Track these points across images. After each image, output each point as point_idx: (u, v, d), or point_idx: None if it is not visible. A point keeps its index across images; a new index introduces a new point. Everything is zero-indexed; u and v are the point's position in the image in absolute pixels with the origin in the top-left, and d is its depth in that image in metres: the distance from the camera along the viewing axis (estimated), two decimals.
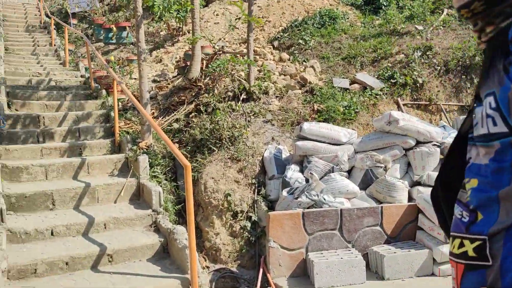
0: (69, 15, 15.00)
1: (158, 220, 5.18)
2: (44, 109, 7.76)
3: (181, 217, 5.71)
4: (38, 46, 12.91)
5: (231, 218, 5.50)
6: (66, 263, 4.32)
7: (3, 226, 4.50)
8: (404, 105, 7.75)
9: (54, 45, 12.86)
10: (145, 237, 4.91)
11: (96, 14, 14.61)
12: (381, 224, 5.13)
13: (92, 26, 14.06)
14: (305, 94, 7.62)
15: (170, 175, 6.20)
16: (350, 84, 8.01)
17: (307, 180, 5.45)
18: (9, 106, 7.57)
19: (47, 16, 14.89)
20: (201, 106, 7.12)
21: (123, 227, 5.10)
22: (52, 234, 4.73)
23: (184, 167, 4.06)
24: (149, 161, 5.96)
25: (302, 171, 5.69)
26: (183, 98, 7.77)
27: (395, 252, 4.80)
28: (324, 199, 5.14)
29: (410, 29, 9.71)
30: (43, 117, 7.23)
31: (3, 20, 14.54)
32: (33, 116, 7.20)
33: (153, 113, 7.72)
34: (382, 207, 5.16)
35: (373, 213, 5.12)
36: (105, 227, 5.01)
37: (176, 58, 10.98)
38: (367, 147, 5.80)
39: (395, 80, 7.93)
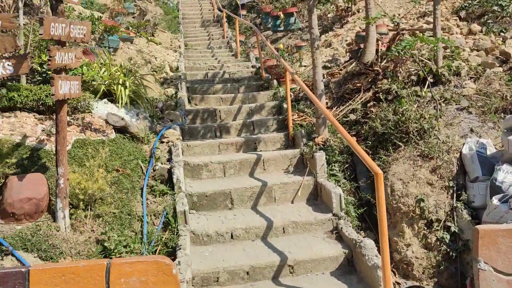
0: (238, 7, 15.44)
1: (340, 227, 4.67)
2: (219, 103, 7.90)
3: (363, 222, 5.11)
4: (212, 39, 13.53)
5: (425, 228, 4.68)
6: (247, 273, 4.11)
7: (187, 228, 4.51)
8: None
9: (226, 37, 13.31)
10: (327, 246, 4.45)
11: (263, 2, 14.72)
12: None
13: (260, 15, 14.19)
14: (509, 72, 6.25)
15: (348, 173, 5.63)
16: None
17: None
18: (189, 101, 7.89)
19: (219, 10, 15.57)
20: (380, 93, 6.33)
21: (302, 232, 4.74)
22: (231, 237, 4.60)
23: (375, 175, 3.43)
24: (326, 157, 5.49)
25: None
26: (358, 85, 7.08)
27: None
28: None
29: None
30: (219, 111, 7.33)
31: (182, 19, 15.69)
32: (210, 110, 7.35)
33: (326, 103, 7.21)
34: None
35: None
36: (283, 232, 4.71)
37: (346, 40, 10.28)
38: None
39: None
